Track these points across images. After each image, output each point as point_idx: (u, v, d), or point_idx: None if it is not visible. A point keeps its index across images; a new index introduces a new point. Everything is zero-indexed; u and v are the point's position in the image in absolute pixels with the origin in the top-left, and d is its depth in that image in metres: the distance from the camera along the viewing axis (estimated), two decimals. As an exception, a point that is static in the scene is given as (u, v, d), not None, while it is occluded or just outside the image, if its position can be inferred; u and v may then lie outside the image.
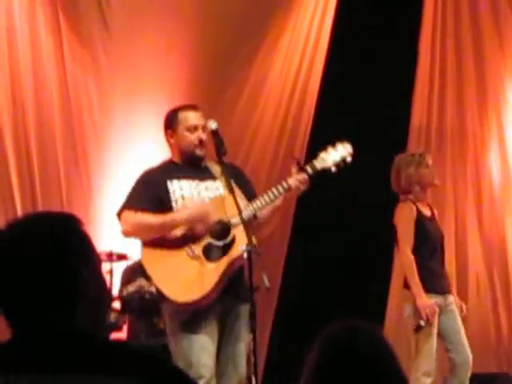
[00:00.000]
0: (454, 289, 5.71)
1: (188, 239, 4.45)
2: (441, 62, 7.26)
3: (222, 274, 4.36)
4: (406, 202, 5.43)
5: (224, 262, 4.39)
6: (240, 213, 4.29)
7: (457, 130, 7.27)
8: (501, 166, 7.30)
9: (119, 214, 4.58)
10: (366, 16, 6.94)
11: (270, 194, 4.54)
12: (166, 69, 6.83)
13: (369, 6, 6.87)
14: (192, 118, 4.62)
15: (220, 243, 4.39)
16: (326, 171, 4.58)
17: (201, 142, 4.52)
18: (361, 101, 6.94)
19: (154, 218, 4.59)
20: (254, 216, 4.49)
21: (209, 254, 4.40)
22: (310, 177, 4.54)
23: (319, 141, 6.03)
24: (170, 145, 4.66)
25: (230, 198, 4.34)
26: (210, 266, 4.40)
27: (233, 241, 4.40)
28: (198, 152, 4.54)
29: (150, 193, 4.67)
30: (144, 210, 4.53)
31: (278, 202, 4.63)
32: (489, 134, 7.34)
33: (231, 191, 4.34)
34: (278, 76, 7.11)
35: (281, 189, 4.53)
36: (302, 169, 4.67)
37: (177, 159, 4.63)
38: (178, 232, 4.48)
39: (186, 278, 4.47)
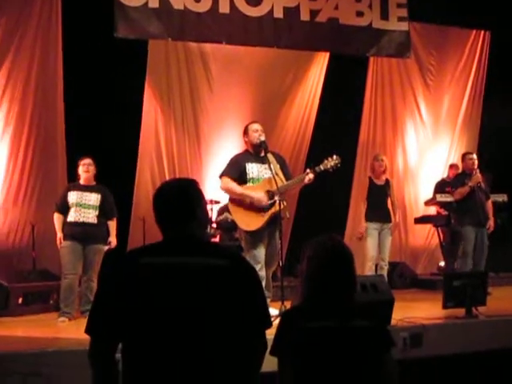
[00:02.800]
0: (394, 220, 8.30)
1: (250, 203, 6.34)
2: (375, 104, 11.02)
3: (268, 218, 6.31)
4: (367, 177, 8.57)
5: (269, 213, 6.31)
6: (277, 188, 6.14)
7: (381, 142, 11.08)
8: (402, 159, 11.30)
9: (220, 177, 6.53)
10: (340, 79, 10.26)
11: (294, 180, 6.48)
12: (241, 104, 10.06)
13: (341, 74, 10.22)
14: (255, 125, 6.60)
15: (269, 202, 6.30)
16: (327, 171, 6.51)
17: (260, 136, 6.46)
18: (334, 125, 10.26)
19: (237, 187, 6.40)
20: (285, 190, 6.33)
21: (266, 201, 6.30)
22: (317, 174, 6.42)
23: (314, 144, 10.14)
24: (245, 142, 6.66)
25: (272, 180, 6.20)
26: (263, 213, 6.33)
27: (274, 202, 6.26)
28: (258, 142, 6.44)
29: (236, 168, 6.48)
30: (233, 178, 6.43)
31: (298, 185, 6.54)
32: (397, 143, 11.28)
33: (273, 175, 6.22)
34: (297, 109, 10.47)
35: (300, 180, 6.45)
36: (313, 171, 6.44)
37: (249, 149, 6.57)
38: (247, 200, 6.36)
39: (250, 218, 6.38)
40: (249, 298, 2.64)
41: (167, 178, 9.70)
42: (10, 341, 5.75)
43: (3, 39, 8.77)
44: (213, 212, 9.50)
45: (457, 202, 8.89)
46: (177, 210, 2.67)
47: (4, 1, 8.79)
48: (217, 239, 9.40)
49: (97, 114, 8.94)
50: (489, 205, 8.82)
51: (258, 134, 6.50)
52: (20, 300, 7.53)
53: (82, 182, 7.43)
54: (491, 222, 8.68)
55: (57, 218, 7.34)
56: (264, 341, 2.73)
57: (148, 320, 2.51)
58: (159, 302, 2.52)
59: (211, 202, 9.32)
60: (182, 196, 2.70)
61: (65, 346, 5.18)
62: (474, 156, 8.80)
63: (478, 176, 8.59)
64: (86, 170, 7.39)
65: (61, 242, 7.15)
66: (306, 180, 6.40)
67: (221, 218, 9.35)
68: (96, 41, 8.66)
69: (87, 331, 2.59)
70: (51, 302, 7.74)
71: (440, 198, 9.98)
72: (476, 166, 8.69)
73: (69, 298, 7.04)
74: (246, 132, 6.65)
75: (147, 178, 9.73)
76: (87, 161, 7.44)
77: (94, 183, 7.49)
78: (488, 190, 8.89)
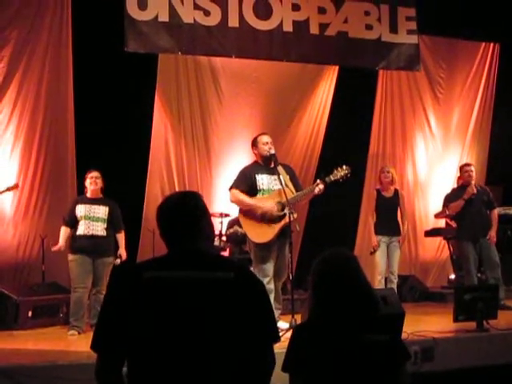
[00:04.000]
0: (402, 232, 8.24)
1: (260, 215, 6.36)
2: (384, 117, 11.04)
3: (279, 231, 6.34)
4: (375, 189, 8.54)
5: (280, 224, 6.34)
6: (287, 200, 6.22)
7: (391, 154, 11.05)
8: (412, 172, 11.25)
9: (229, 189, 6.53)
10: (349, 92, 10.29)
11: (305, 191, 6.50)
12: (251, 118, 10.08)
13: (350, 87, 10.24)
14: (265, 138, 6.64)
15: (280, 214, 6.33)
16: (337, 181, 6.55)
17: (269, 149, 6.48)
18: (344, 138, 10.21)
19: (246, 199, 6.42)
20: (296, 202, 6.40)
21: (274, 220, 6.35)
22: (327, 185, 6.46)
23: (324, 157, 10.13)
24: (255, 154, 6.70)
25: (282, 191, 6.28)
26: (273, 225, 6.35)
27: (285, 214, 6.30)
28: (268, 154, 6.49)
29: (246, 180, 6.47)
30: (242, 190, 6.46)
31: (308, 196, 6.53)
32: (406, 156, 11.25)
33: (283, 187, 6.29)
34: (306, 123, 10.48)
35: (310, 190, 6.46)
36: (323, 181, 6.46)
37: (259, 161, 6.60)
38: (258, 211, 6.37)
39: (261, 231, 6.37)
40: (255, 311, 2.60)
41: (177, 190, 9.70)
42: (21, 354, 5.76)
43: (14, 52, 8.83)
44: (222, 225, 9.48)
45: (453, 217, 8.84)
46: (181, 223, 2.67)
47: (15, 15, 8.85)
48: (226, 252, 9.40)
49: (107, 128, 8.96)
50: (493, 215, 8.64)
51: (267, 146, 6.51)
52: (30, 313, 7.52)
53: (89, 195, 7.47)
54: (492, 233, 8.48)
55: (63, 231, 7.41)
56: (272, 355, 2.68)
57: (153, 334, 2.49)
58: (164, 316, 2.50)
59: (221, 215, 9.33)
60: (186, 209, 2.70)
61: (75, 360, 5.18)
62: (471, 168, 8.69)
63: (471, 188, 8.47)
64: (93, 182, 7.42)
65: (59, 250, 7.23)
66: (316, 191, 6.39)
67: (231, 231, 9.34)
68: (106, 55, 8.71)
69: (93, 347, 2.57)
70: (61, 315, 7.76)
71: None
72: (473, 179, 8.60)
73: (79, 312, 7.07)
74: (254, 144, 6.67)
75: (157, 191, 9.73)
76: (95, 174, 7.48)
77: (101, 196, 7.52)
78: (492, 200, 8.74)
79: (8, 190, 8.28)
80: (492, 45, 11.80)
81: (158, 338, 2.49)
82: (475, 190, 8.47)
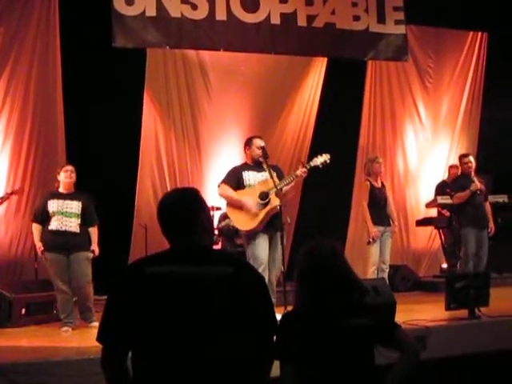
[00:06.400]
0: (392, 223, 8.39)
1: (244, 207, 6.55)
2: (374, 108, 11.09)
3: (264, 217, 6.49)
4: (366, 180, 8.33)
5: (264, 211, 6.48)
6: (275, 186, 6.38)
7: (381, 145, 11.10)
8: (402, 162, 11.31)
9: (219, 185, 6.76)
10: (338, 83, 10.31)
11: (288, 178, 6.57)
12: (240, 111, 10.17)
13: (339, 78, 10.27)
14: (260, 142, 6.75)
15: (263, 202, 6.49)
16: (316, 167, 6.66)
17: (262, 154, 6.64)
18: (334, 130, 10.26)
19: (231, 193, 6.66)
20: (281, 189, 6.45)
21: (258, 207, 6.48)
22: (308, 170, 6.60)
23: (314, 149, 9.73)
24: (246, 155, 6.79)
25: (270, 181, 6.44)
26: (258, 213, 6.50)
27: (269, 201, 6.47)
28: (260, 159, 6.66)
29: (233, 176, 6.73)
30: (231, 185, 6.67)
31: (292, 183, 6.59)
32: (397, 146, 11.31)
33: (271, 177, 6.43)
34: (295, 115, 10.53)
35: (294, 176, 6.57)
36: (304, 166, 6.65)
37: (249, 162, 6.78)
38: (240, 204, 6.56)
39: (246, 219, 6.56)
40: (255, 304, 2.65)
41: (168, 185, 9.87)
42: (15, 351, 5.75)
43: (2, 49, 8.82)
44: (214, 218, 9.49)
45: (457, 205, 8.91)
46: (181, 219, 2.71)
47: (2, 11, 8.84)
48: (219, 246, 9.43)
49: (96, 123, 8.97)
50: (487, 207, 8.86)
51: (261, 152, 6.64)
52: (23, 310, 7.50)
53: (61, 189, 7.34)
54: (491, 225, 8.73)
55: (35, 229, 7.24)
56: (272, 348, 2.75)
57: (157, 328, 2.55)
58: (167, 311, 2.55)
59: (212, 208, 9.23)
60: (186, 205, 2.74)
61: (70, 356, 5.19)
62: (470, 158, 8.83)
63: (476, 185, 8.63)
64: (68, 176, 7.30)
65: (42, 253, 7.13)
66: (298, 173, 6.51)
67: (222, 224, 9.35)
68: (94, 50, 8.71)
69: (99, 340, 2.65)
70: (54, 311, 7.72)
71: (441, 199, 9.98)
72: (472, 170, 8.75)
73: (67, 309, 7.06)
74: (248, 145, 6.78)
75: (148, 186, 9.75)
76: (70, 168, 7.37)
77: (73, 191, 7.39)
78: (486, 191, 8.90)
79: (12, 194, 8.33)
80: (480, 34, 11.84)
81: (161, 332, 2.55)
82: (479, 186, 8.65)
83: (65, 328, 6.92)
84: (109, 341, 2.63)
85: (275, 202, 6.38)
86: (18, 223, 8.91)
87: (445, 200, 9.84)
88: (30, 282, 8.25)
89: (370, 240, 8.17)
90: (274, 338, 2.84)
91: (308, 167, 6.58)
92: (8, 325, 7.27)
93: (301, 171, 6.54)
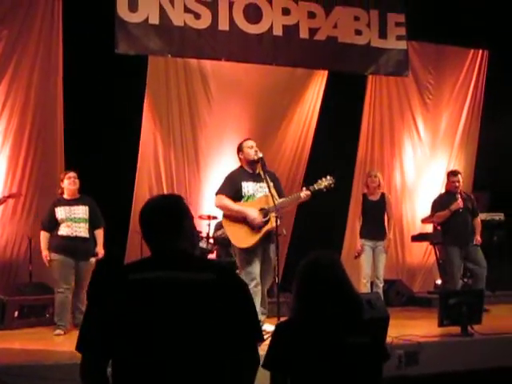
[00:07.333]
0: (387, 236, 8.33)
1: (244, 220, 6.40)
2: (373, 122, 11.08)
3: (261, 236, 6.38)
4: (362, 193, 8.66)
5: (262, 231, 6.38)
6: (275, 205, 6.25)
7: (379, 160, 11.06)
8: (400, 177, 11.30)
9: (216, 194, 6.60)
10: (338, 97, 10.32)
11: (290, 198, 6.59)
12: (240, 122, 10.12)
13: (339, 92, 10.24)
14: (250, 142, 6.69)
15: (264, 219, 6.37)
16: (320, 191, 6.57)
17: (256, 152, 6.51)
18: (332, 142, 10.23)
19: (231, 204, 6.48)
20: (280, 208, 6.36)
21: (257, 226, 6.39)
22: (312, 193, 6.51)
23: (312, 161, 10.14)
24: (240, 159, 6.71)
25: (270, 198, 6.31)
26: (256, 231, 6.38)
27: (268, 220, 6.35)
28: (255, 158, 6.49)
29: (231, 186, 6.55)
30: (228, 195, 6.51)
31: (292, 204, 6.79)
32: (395, 161, 11.27)
33: (270, 192, 6.30)
34: (295, 126, 10.53)
35: (296, 197, 6.53)
36: (308, 189, 6.53)
37: (244, 166, 6.64)
38: (239, 215, 6.43)
39: (243, 236, 6.44)
40: (238, 311, 2.61)
41: (165, 193, 9.70)
42: (7, 354, 5.75)
43: (4, 52, 8.83)
44: (210, 227, 9.58)
45: (439, 224, 8.91)
46: (162, 223, 2.69)
47: (6, 14, 8.85)
48: (213, 255, 9.50)
49: (96, 129, 8.97)
50: (476, 223, 8.77)
51: (253, 150, 6.55)
52: (16, 313, 7.52)
53: (66, 196, 7.44)
54: (477, 237, 8.59)
55: (44, 237, 7.35)
56: (256, 355, 2.69)
57: (138, 335, 2.51)
58: (148, 317, 2.51)
59: (209, 217, 9.43)
60: (168, 211, 2.72)
61: (62, 360, 5.19)
62: (459, 177, 8.77)
63: (457, 204, 8.58)
64: (72, 182, 7.38)
65: (49, 260, 7.20)
66: (302, 196, 6.45)
67: (218, 233, 9.37)
68: (96, 56, 8.73)
69: (78, 349, 2.59)
70: (47, 315, 7.75)
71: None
72: (458, 189, 8.70)
73: (63, 312, 7.12)
74: (240, 149, 6.70)
75: (145, 192, 9.72)
76: (72, 174, 7.46)
77: (78, 196, 7.49)
78: (476, 208, 8.85)
79: (9, 197, 8.34)
80: (481, 52, 11.86)
81: (143, 339, 2.50)
82: (461, 205, 8.56)
83: (58, 331, 6.96)
84: (88, 349, 2.58)
85: (274, 222, 6.28)
86: (14, 226, 8.92)
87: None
88: (24, 284, 8.27)
89: (355, 254, 8.33)
90: (258, 345, 2.79)
91: (312, 190, 6.52)
92: (1, 327, 7.28)
93: (305, 194, 6.48)
